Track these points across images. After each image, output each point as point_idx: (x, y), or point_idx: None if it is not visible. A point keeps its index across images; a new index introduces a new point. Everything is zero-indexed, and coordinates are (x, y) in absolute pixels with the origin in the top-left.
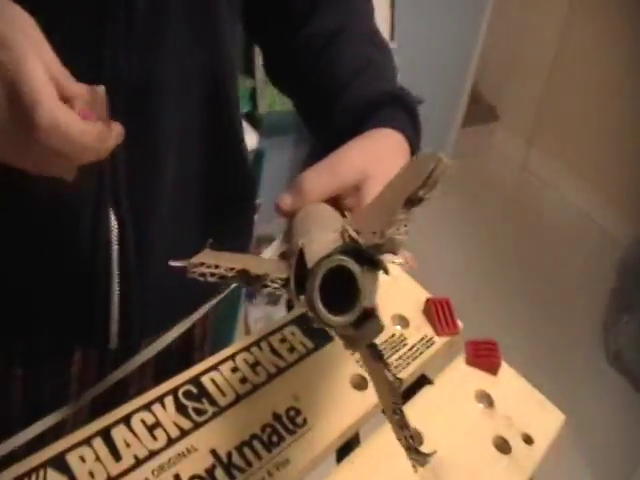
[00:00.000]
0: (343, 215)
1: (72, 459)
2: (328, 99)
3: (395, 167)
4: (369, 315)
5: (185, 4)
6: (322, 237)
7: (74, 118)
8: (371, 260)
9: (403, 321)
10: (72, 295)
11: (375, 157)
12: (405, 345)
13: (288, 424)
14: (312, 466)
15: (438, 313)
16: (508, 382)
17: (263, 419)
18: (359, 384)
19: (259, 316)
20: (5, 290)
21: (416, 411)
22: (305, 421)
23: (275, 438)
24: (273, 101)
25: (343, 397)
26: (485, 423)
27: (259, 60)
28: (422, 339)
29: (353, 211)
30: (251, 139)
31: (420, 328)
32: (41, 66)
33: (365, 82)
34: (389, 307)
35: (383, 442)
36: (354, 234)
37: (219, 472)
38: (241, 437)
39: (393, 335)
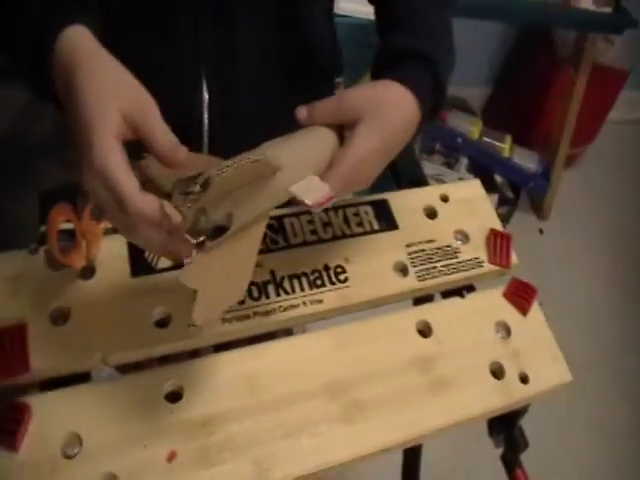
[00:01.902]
0: (341, 140)
1: None
2: (380, 33)
3: (390, 116)
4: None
5: None
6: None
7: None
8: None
9: (465, 238)
10: None
11: (375, 104)
12: (455, 258)
13: (332, 276)
14: (337, 313)
15: (495, 243)
16: (534, 326)
17: (316, 265)
18: (401, 269)
19: (430, 174)
20: None
21: (438, 311)
22: (346, 279)
23: (319, 282)
24: None
25: (384, 274)
26: (492, 347)
27: None
28: (473, 259)
29: (347, 140)
30: None
31: (477, 249)
32: (122, 162)
33: (402, 33)
34: (457, 222)
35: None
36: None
37: (271, 287)
38: (295, 270)
39: (449, 246)
